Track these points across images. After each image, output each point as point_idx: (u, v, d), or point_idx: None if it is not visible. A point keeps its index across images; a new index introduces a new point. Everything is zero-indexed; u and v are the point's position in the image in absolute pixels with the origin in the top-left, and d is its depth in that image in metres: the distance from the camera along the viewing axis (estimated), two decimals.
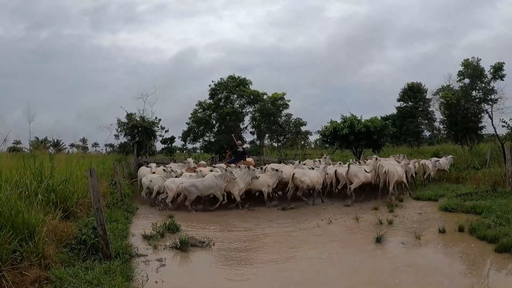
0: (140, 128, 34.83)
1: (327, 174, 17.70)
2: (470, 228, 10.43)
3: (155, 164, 20.34)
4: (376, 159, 18.25)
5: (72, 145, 42.39)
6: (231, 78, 43.93)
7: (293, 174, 16.38)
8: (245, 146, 24.59)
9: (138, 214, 14.38)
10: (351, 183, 16.67)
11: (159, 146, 42.07)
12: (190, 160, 22.02)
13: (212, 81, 44.15)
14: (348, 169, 16.84)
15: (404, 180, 17.46)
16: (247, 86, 43.75)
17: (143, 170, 19.20)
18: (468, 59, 38.80)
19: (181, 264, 8.65)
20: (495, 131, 22.43)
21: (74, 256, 7.51)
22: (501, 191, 15.51)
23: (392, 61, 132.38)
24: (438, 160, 21.25)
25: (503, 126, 20.35)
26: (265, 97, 43.79)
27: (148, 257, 8.68)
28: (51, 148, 38.99)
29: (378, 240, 9.84)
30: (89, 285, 6.10)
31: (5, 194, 6.90)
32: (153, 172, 17.65)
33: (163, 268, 8.08)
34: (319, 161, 20.56)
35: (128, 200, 15.90)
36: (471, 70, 38.22)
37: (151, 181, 16.81)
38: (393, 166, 16.97)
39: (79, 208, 10.34)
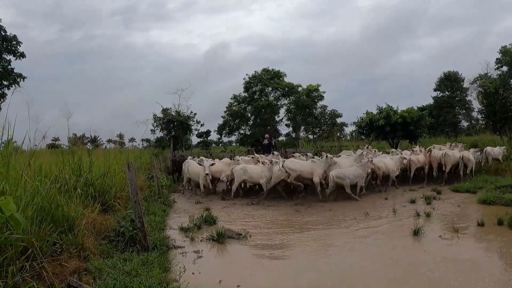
0: (175, 123, 35.23)
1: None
2: (510, 221, 10.15)
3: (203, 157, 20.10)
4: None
5: (109, 141, 43.11)
6: (265, 71, 43.92)
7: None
8: (265, 141, 24.54)
9: (175, 207, 14.50)
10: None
11: (195, 140, 42.41)
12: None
13: (247, 74, 44.29)
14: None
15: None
16: (281, 79, 43.70)
17: (193, 166, 17.76)
18: (506, 46, 37.88)
19: (218, 256, 8.67)
20: None
21: (112, 248, 7.64)
22: None
23: (425, 50, 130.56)
24: (493, 149, 20.96)
25: None
26: (299, 89, 43.65)
27: (185, 249, 8.76)
28: (89, 144, 39.77)
29: (416, 233, 9.63)
30: (127, 276, 6.16)
31: (45, 189, 7.04)
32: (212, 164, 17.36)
33: (200, 259, 8.13)
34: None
35: (166, 193, 16.05)
36: (510, 57, 37.24)
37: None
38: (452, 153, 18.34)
39: (117, 202, 10.54)
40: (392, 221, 11.56)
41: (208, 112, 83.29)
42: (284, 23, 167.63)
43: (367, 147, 21.82)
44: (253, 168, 16.54)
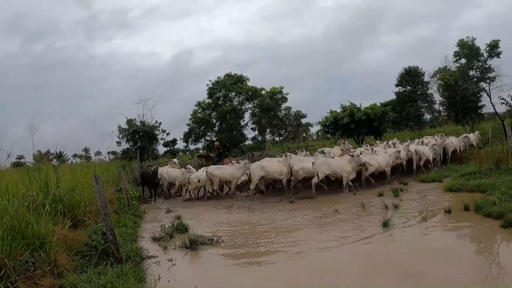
0: (141, 133, 34.96)
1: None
2: (476, 206, 10.51)
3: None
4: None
5: (75, 156, 42.61)
6: (228, 76, 43.92)
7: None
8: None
9: (146, 218, 14.45)
10: None
11: (161, 149, 42.15)
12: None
13: (210, 81, 44.16)
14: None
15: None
16: (244, 83, 43.73)
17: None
18: (463, 39, 38.84)
19: (191, 263, 8.77)
20: (495, 109, 22.51)
21: (86, 262, 7.62)
22: (505, 168, 15.59)
23: (388, 47, 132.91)
24: (467, 136, 21.79)
25: (502, 103, 20.40)
26: (263, 92, 43.74)
27: (158, 258, 8.80)
28: (55, 160, 39.15)
29: (385, 224, 9.94)
30: None
31: (13, 207, 6.98)
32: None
33: (174, 267, 8.20)
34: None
35: (136, 204, 15.97)
36: (467, 50, 38.23)
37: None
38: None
39: (87, 216, 10.44)
40: (362, 215, 11.79)
41: (175, 120, 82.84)
42: (247, 27, 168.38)
43: (344, 143, 22.74)
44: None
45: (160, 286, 6.76)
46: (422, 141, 21.21)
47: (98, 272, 7.00)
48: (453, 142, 20.97)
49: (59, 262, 6.89)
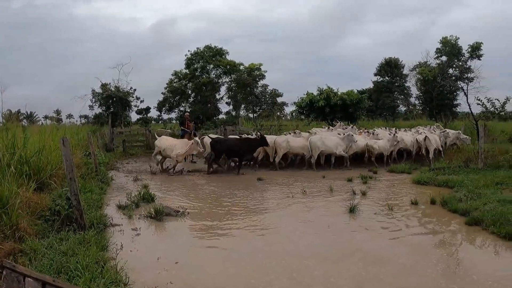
0: (114, 99, 34.51)
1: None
2: (442, 201, 10.69)
3: None
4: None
5: (46, 117, 41.92)
6: (208, 48, 43.48)
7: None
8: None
9: (113, 185, 14.35)
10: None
11: (134, 116, 41.70)
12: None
13: (189, 51, 43.67)
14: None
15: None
16: (223, 56, 43.38)
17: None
18: (446, 37, 39.41)
19: (156, 233, 8.73)
20: (470, 109, 22.97)
21: (48, 227, 7.57)
22: (474, 167, 15.86)
23: (372, 36, 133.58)
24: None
25: (478, 104, 20.84)
26: (241, 67, 43.52)
27: (123, 226, 8.77)
28: (25, 120, 38.49)
29: (352, 210, 10.05)
30: (63, 256, 6.11)
31: None
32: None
33: (138, 237, 8.17)
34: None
35: (103, 170, 15.81)
36: (449, 48, 38.87)
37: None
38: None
39: (53, 180, 10.30)
40: (329, 199, 11.94)
41: (151, 89, 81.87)
42: (233, 1, 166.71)
43: (340, 124, 22.83)
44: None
45: (122, 255, 6.69)
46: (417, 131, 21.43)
47: (60, 238, 6.96)
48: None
49: (21, 226, 6.80)
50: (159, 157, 18.25)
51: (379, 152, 18.49)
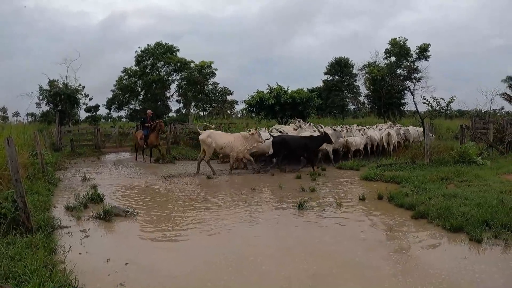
0: (62, 96, 33.80)
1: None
2: (389, 196, 11.05)
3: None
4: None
5: None
6: (158, 44, 43.24)
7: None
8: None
9: (61, 185, 14.06)
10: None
11: (83, 114, 40.99)
12: None
13: (139, 47, 43.39)
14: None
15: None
16: (174, 54, 43.16)
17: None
18: (395, 38, 40.75)
19: (105, 235, 8.64)
20: (416, 107, 23.68)
21: None
22: (420, 163, 16.47)
23: (320, 36, 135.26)
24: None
25: (424, 103, 21.61)
26: (192, 65, 43.46)
27: (71, 228, 8.64)
28: None
29: (300, 206, 10.25)
30: (11, 261, 6.03)
31: None
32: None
33: (87, 239, 8.09)
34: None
35: (51, 171, 15.46)
36: (398, 49, 40.29)
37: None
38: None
39: None
40: (278, 195, 12.14)
41: (100, 86, 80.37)
42: None
43: (299, 121, 23.09)
44: None
45: (71, 258, 6.66)
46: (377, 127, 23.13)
47: (7, 242, 6.84)
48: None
49: None
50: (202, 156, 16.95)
51: (356, 148, 19.70)
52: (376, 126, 23.48)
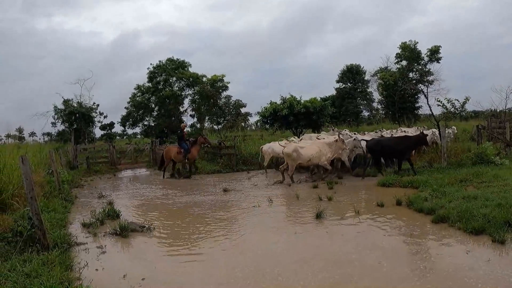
0: (77, 114, 34.08)
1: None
2: (408, 201, 10.90)
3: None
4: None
5: (8, 136, 41.06)
6: (170, 60, 43.50)
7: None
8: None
9: (77, 202, 14.09)
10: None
11: (98, 132, 41.25)
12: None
13: (151, 64, 43.70)
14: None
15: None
16: (186, 69, 43.40)
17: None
18: (405, 42, 40.56)
19: (121, 250, 8.60)
20: (431, 110, 23.47)
21: (11, 249, 7.40)
22: (437, 166, 16.26)
23: (331, 45, 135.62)
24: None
25: (438, 106, 21.35)
26: (204, 79, 43.58)
27: (88, 245, 8.62)
28: None
29: (318, 216, 10.12)
30: (27, 278, 6.02)
31: None
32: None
33: (104, 255, 8.05)
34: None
35: (67, 188, 15.53)
36: (408, 52, 40.01)
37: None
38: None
39: (16, 200, 10.08)
40: (296, 206, 11.98)
41: (114, 104, 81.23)
42: (192, 14, 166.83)
43: (333, 130, 23.76)
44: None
45: (88, 274, 6.62)
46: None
47: (23, 260, 6.83)
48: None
49: None
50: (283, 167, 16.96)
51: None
52: (397, 131, 22.98)
